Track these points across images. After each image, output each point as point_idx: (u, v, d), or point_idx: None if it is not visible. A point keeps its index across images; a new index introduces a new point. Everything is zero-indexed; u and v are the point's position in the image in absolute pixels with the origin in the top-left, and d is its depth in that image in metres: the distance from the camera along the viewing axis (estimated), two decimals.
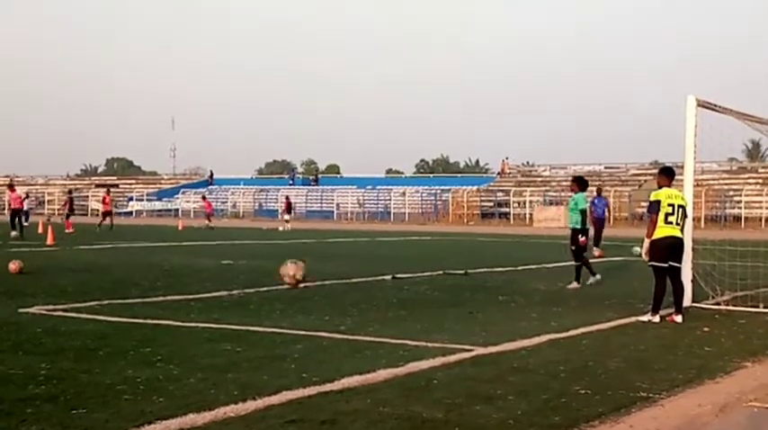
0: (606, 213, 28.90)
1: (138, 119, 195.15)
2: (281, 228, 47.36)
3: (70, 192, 45.53)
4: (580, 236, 15.97)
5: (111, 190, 50.27)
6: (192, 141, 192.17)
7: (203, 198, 56.52)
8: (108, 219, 41.00)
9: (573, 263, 16.23)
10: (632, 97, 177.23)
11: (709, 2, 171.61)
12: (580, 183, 16.65)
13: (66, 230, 37.14)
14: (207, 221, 49.39)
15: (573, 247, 16.10)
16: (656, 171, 12.72)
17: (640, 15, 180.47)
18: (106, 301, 12.19)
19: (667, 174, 11.92)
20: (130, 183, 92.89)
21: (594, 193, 28.15)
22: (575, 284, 15.62)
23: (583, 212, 16.07)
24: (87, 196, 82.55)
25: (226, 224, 58.39)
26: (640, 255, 12.78)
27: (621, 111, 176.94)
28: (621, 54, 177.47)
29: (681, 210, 11.55)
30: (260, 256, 23.73)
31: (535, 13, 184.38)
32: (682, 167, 13.06)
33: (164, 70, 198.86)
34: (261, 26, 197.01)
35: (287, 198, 57.15)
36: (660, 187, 11.81)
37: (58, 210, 42.05)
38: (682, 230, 11.67)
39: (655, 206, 11.53)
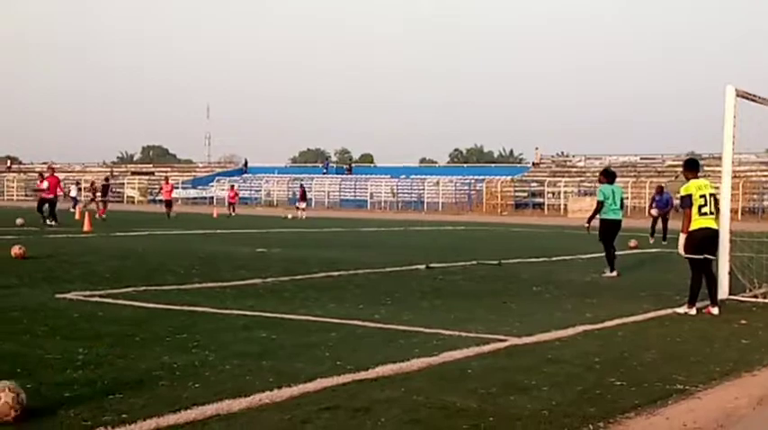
0: (668, 208, 28.98)
1: (173, 107, 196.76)
2: (289, 216, 47.61)
3: (107, 179, 45.88)
4: (584, 224, 17.09)
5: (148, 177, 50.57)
6: (226, 130, 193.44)
7: (231, 187, 56.34)
8: (169, 208, 41.44)
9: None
10: (669, 87, 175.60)
11: None
12: (606, 175, 17.23)
13: (99, 215, 37.45)
14: (229, 210, 49.21)
15: (599, 238, 16.58)
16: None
17: (678, 2, 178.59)
18: (142, 288, 12.28)
19: (692, 167, 11.85)
20: (166, 171, 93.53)
21: (656, 191, 29.94)
22: (607, 273, 16.05)
23: (598, 203, 16.72)
24: (123, 183, 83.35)
25: (260, 212, 58.58)
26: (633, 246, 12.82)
27: (658, 101, 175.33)
28: (658, 43, 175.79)
29: (712, 198, 11.49)
30: (294, 245, 23.81)
31: (566, 3, 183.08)
32: (719, 159, 12.92)
33: (199, 59, 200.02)
34: (295, 15, 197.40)
35: (301, 186, 57.30)
36: (688, 180, 11.72)
37: (92, 196, 42.07)
38: (716, 220, 11.60)
39: (687, 200, 11.45)
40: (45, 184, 32.49)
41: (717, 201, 11.70)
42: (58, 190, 33.15)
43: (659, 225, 28.59)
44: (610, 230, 16.56)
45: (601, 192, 16.75)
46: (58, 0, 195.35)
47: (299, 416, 5.71)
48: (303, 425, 5.56)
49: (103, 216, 37.63)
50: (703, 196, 11.41)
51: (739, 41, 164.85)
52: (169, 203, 42.50)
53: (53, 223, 30.60)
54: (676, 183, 59.70)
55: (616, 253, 16.64)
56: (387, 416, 5.80)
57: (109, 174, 65.33)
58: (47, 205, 32.03)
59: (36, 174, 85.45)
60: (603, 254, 16.55)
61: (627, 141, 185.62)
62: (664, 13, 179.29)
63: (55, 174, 33.93)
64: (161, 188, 43.00)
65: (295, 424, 5.58)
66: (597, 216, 16.85)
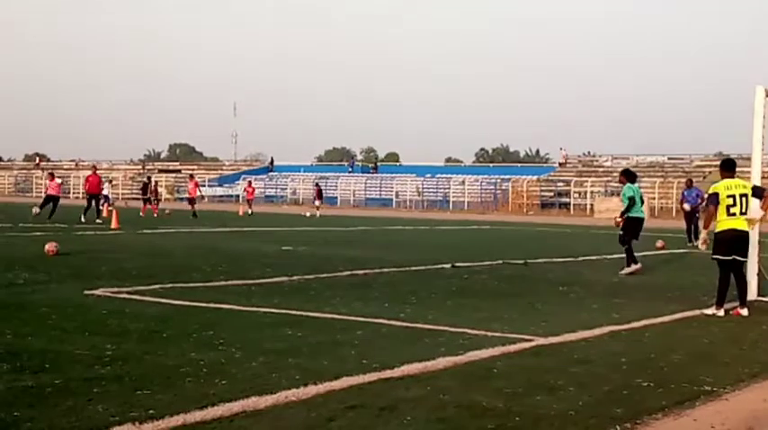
0: (699, 203, 26.98)
1: (200, 105, 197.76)
2: (307, 214, 47.67)
3: (149, 178, 46.39)
4: (617, 218, 17.14)
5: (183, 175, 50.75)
6: (253, 128, 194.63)
7: (249, 184, 56.04)
8: (193, 206, 41.52)
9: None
10: (698, 86, 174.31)
11: None
12: (627, 175, 17.61)
13: (141, 214, 38.38)
14: (247, 208, 49.02)
15: (620, 233, 16.99)
16: (719, 162, 12.56)
17: (708, 3, 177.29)
18: (169, 285, 12.36)
19: (727, 167, 11.73)
20: (192, 169, 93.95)
21: (685, 185, 29.01)
22: (632, 267, 16.32)
23: (630, 200, 16.86)
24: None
25: (285, 210, 58.72)
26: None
27: (686, 101, 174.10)
28: (687, 42, 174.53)
29: (743, 198, 11.33)
30: (319, 243, 23.86)
31: (594, 0, 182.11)
32: (748, 159, 12.81)
33: (226, 58, 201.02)
34: (322, 14, 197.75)
35: (317, 185, 57.35)
36: (723, 179, 11.61)
37: (153, 195, 43.05)
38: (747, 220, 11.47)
39: (713, 198, 11.36)
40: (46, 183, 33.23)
41: (746, 201, 11.55)
42: (101, 186, 33.89)
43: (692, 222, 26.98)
44: (637, 228, 16.88)
45: (630, 189, 17.02)
46: (92, 9, 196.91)
47: (324, 414, 5.73)
48: (328, 423, 5.57)
49: (143, 214, 38.85)
50: (732, 196, 11.28)
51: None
52: (192, 201, 42.57)
53: (98, 220, 31.13)
54: (704, 183, 59.38)
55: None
56: (412, 414, 5.80)
57: (143, 172, 65.62)
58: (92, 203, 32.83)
59: (64, 171, 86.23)
60: (643, 254, 16.83)
61: (654, 141, 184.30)
62: (695, 11, 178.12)
63: (96, 173, 34.47)
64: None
65: (321, 421, 5.60)
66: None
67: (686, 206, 27.69)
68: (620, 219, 17.14)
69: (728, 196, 11.28)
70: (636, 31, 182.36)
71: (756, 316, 11.09)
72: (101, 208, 34.63)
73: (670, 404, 6.32)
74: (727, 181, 11.50)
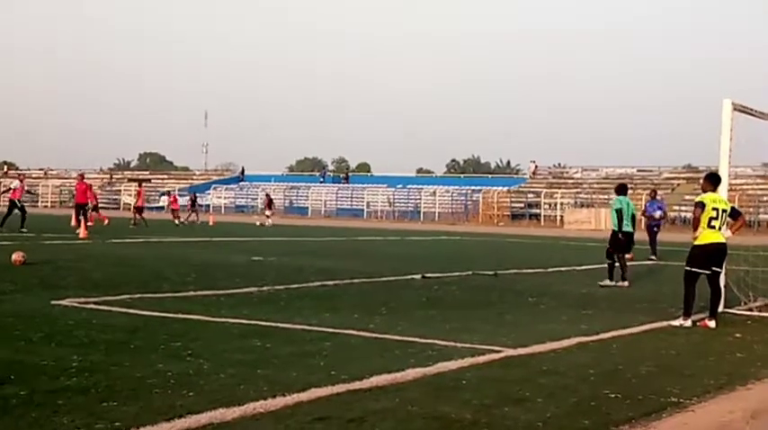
0: (660, 215, 27.27)
1: (170, 114, 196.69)
2: (258, 223, 47.76)
3: (140, 184, 46.33)
4: (619, 235, 16.98)
5: (144, 185, 50.34)
6: (224, 137, 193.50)
7: (168, 193, 55.28)
8: (139, 215, 41.18)
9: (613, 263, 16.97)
10: (667, 99, 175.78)
11: (746, 2, 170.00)
12: (618, 188, 17.89)
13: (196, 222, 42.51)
14: (174, 218, 47.50)
15: (608, 247, 17.03)
16: (689, 175, 12.74)
17: (675, 15, 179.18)
18: (137, 295, 12.26)
19: (712, 181, 11.88)
20: (162, 179, 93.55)
21: (649, 196, 28.94)
22: (623, 283, 16.41)
23: (618, 212, 16.97)
24: (120, 190, 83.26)
25: (237, 220, 58.51)
26: None
27: (655, 114, 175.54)
28: (655, 55, 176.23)
29: (724, 214, 11.51)
30: (289, 253, 23.80)
31: (565, 13, 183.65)
32: (717, 171, 12.95)
33: (197, 67, 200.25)
34: (293, 25, 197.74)
35: (267, 195, 57.36)
36: (705, 192, 11.75)
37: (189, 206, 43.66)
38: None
39: (701, 205, 11.51)
40: (14, 184, 32.35)
41: (732, 215, 11.74)
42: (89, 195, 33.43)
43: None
44: (624, 242, 17.01)
45: (618, 202, 17.17)
46: (55, 4, 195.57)
47: (292, 426, 5.71)
48: None
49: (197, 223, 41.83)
50: (716, 209, 11.46)
51: (738, 53, 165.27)
52: (140, 210, 42.16)
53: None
54: (673, 195, 59.94)
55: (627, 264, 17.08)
56: (381, 426, 5.79)
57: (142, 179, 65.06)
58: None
59: (33, 179, 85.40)
60: (603, 265, 16.87)
61: (624, 153, 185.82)
62: (662, 24, 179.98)
63: (84, 181, 33.88)
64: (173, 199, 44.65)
65: None
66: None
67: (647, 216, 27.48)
68: (621, 237, 17.01)
69: (713, 208, 11.45)
70: (605, 44, 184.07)
71: (722, 327, 11.19)
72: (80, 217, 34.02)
73: (637, 415, 6.35)
74: (713, 194, 11.66)
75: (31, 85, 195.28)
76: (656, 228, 26.68)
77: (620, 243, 16.96)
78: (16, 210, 30.78)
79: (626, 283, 16.41)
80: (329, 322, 10.30)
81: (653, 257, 25.00)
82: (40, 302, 11.25)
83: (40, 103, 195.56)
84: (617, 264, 16.75)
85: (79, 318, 10.00)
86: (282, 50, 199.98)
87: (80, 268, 16.57)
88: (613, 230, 17.10)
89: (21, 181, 32.93)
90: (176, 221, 46.57)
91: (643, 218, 27.89)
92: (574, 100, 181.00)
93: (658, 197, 29.04)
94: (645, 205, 28.83)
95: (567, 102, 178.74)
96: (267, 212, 51.73)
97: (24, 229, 28.66)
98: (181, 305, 11.40)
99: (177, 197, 54.12)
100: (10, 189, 32.09)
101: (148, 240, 28.10)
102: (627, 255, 17.69)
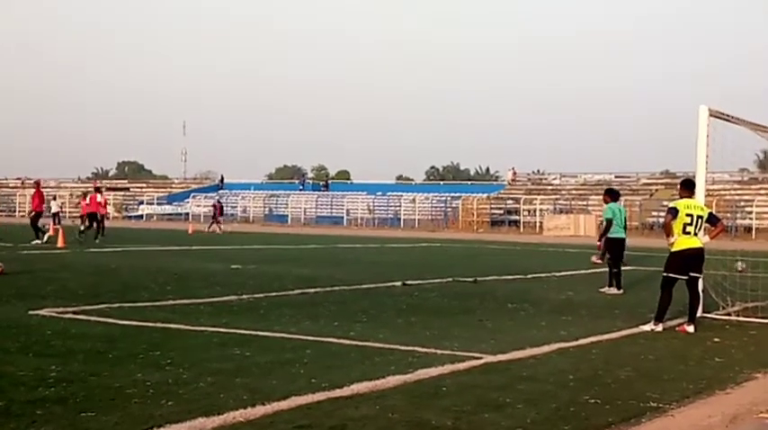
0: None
1: (149, 123, 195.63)
2: (208, 230, 48.22)
3: (219, 201, 46.78)
4: (599, 241, 17.15)
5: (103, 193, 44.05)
6: (202, 146, 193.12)
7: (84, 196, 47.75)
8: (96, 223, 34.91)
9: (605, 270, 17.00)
10: (644, 106, 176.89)
11: (724, 11, 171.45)
12: (609, 194, 17.67)
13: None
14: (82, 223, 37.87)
15: (607, 256, 17.09)
16: (666, 181, 12.85)
17: (652, 24, 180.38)
18: (116, 304, 12.20)
19: (687, 187, 11.96)
20: (141, 187, 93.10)
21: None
22: (614, 290, 16.35)
23: (608, 221, 16.91)
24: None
25: (235, 228, 58.39)
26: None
27: (633, 120, 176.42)
28: (632, 61, 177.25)
29: (699, 220, 11.56)
30: (269, 261, 23.75)
31: (543, 20, 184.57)
32: (693, 177, 13.03)
33: (175, 74, 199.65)
34: (273, 32, 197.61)
35: (218, 202, 57.01)
36: (681, 198, 11.82)
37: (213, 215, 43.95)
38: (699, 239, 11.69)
39: (673, 212, 11.56)
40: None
41: (709, 222, 11.78)
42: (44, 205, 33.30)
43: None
44: (617, 249, 16.91)
45: (609, 210, 17.06)
46: (32, 12, 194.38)
47: None
48: None
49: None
50: (690, 215, 11.51)
51: (714, 61, 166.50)
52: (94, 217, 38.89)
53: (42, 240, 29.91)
54: (651, 201, 60.24)
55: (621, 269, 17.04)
56: None
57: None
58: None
59: (9, 189, 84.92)
60: (581, 271, 16.88)
61: (602, 159, 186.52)
62: (641, 30, 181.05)
63: (40, 189, 33.20)
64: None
65: None
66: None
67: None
68: (599, 243, 17.21)
69: (687, 214, 11.50)
70: (582, 49, 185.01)
71: (701, 332, 11.25)
72: (47, 227, 33.45)
73: (616, 420, 6.38)
74: (688, 200, 11.73)
75: (5, 92, 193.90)
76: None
77: (613, 250, 16.84)
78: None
79: (614, 290, 16.36)
80: (309, 330, 10.28)
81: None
82: (17, 312, 11.17)
83: (16, 110, 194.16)
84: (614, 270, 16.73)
85: (57, 328, 9.94)
86: (260, 58, 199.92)
87: (58, 278, 16.46)
88: (608, 237, 16.95)
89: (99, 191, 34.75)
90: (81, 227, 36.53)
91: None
92: (552, 106, 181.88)
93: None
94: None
95: (546, 108, 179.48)
96: (219, 219, 51.49)
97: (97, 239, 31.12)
98: (160, 314, 11.35)
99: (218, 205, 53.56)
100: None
101: (127, 249, 27.96)
102: (597, 260, 17.95)
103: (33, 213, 31.46)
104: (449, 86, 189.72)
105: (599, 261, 18.81)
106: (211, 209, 53.77)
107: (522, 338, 10.10)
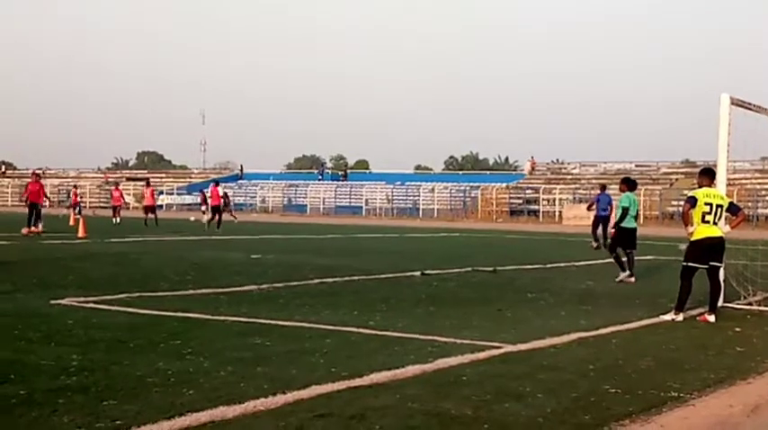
0: (608, 211, 25.65)
1: (168, 113, 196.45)
2: (192, 219, 48.03)
3: (148, 183, 46.01)
4: (610, 229, 17.37)
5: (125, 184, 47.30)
6: (222, 136, 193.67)
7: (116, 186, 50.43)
8: (151, 215, 39.83)
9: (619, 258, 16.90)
10: (664, 93, 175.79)
11: None
12: (627, 183, 17.67)
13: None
14: (115, 215, 42.23)
15: (610, 241, 17.43)
16: (687, 170, 12.79)
17: (673, 10, 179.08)
18: (137, 294, 12.27)
19: (707, 175, 11.88)
20: (161, 177, 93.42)
21: (599, 190, 27.58)
22: (624, 274, 16.41)
23: (623, 209, 16.83)
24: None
25: (254, 218, 58.50)
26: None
27: (654, 109, 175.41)
28: (654, 50, 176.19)
29: (719, 209, 11.48)
30: (289, 251, 23.81)
31: (564, 8, 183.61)
32: (714, 166, 12.95)
33: (194, 65, 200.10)
34: (291, 23, 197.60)
35: (201, 191, 56.89)
36: (700, 187, 11.75)
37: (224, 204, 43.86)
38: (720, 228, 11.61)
39: (692, 201, 11.50)
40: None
41: (721, 212, 11.68)
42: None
43: (600, 230, 25.74)
44: (626, 238, 16.87)
45: (627, 199, 17.01)
46: (53, 5, 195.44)
47: (293, 424, 5.71)
48: None
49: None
50: (709, 204, 11.43)
51: (736, 48, 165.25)
52: (151, 209, 41.29)
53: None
54: (671, 190, 59.90)
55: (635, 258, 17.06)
56: (381, 423, 5.79)
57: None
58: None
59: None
60: (601, 261, 16.95)
61: (622, 148, 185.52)
62: (660, 18, 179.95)
63: (39, 181, 33.25)
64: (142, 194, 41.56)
65: None
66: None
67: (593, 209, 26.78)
68: (613, 230, 17.27)
69: (706, 203, 11.42)
70: (603, 39, 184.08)
71: (722, 322, 11.19)
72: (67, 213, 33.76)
73: (637, 410, 6.36)
74: (707, 189, 11.65)
75: (27, 84, 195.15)
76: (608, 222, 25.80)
77: (623, 239, 16.82)
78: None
79: (624, 274, 16.42)
80: (329, 319, 10.30)
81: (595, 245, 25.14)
82: (39, 302, 11.25)
83: (37, 102, 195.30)
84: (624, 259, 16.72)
85: (78, 318, 10.00)
86: (280, 48, 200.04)
87: (79, 267, 16.57)
88: (619, 227, 16.96)
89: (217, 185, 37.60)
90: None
91: (589, 208, 28.09)
92: (572, 95, 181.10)
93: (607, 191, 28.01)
94: (597, 197, 26.93)
95: (565, 97, 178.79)
96: (203, 208, 50.87)
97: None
98: (180, 303, 11.40)
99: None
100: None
101: (147, 239, 28.09)
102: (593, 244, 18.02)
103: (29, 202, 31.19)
104: (469, 75, 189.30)
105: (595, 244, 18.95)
106: (199, 195, 51.96)
107: (542, 328, 10.08)
